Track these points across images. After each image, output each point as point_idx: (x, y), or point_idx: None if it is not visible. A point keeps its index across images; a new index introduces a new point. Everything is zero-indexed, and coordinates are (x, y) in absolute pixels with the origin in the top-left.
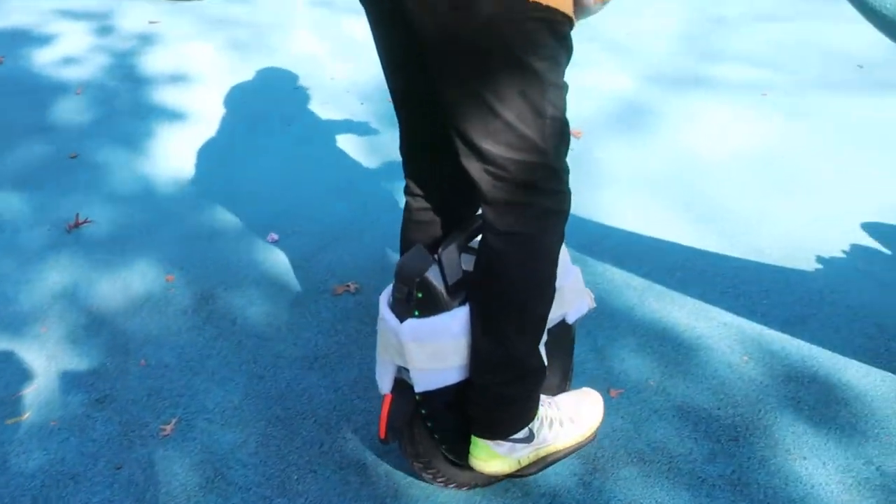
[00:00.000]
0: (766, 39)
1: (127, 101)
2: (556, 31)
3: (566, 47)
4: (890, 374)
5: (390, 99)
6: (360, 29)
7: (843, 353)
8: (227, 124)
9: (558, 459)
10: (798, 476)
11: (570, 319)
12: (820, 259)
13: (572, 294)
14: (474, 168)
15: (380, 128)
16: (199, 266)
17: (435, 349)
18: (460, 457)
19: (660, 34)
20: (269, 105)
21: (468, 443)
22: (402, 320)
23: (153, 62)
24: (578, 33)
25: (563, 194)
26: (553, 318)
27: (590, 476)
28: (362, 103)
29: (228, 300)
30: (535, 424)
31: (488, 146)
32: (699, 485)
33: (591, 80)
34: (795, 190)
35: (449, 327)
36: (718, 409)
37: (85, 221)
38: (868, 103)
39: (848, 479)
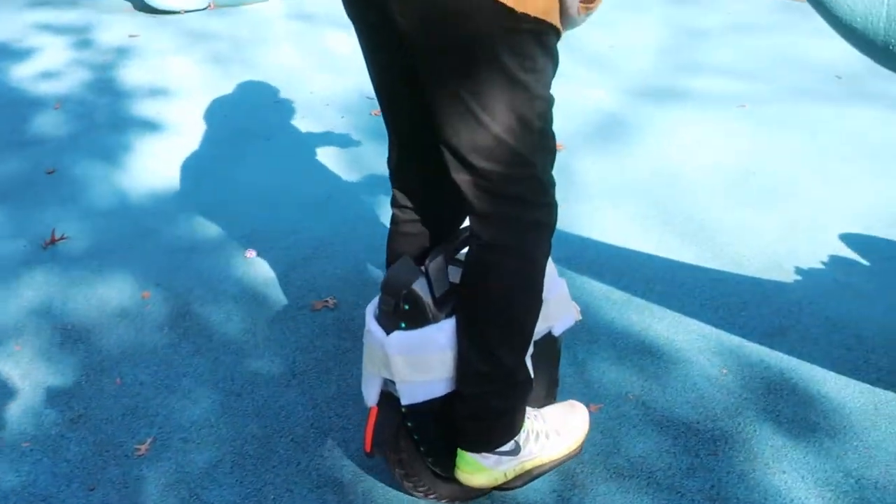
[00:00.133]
0: (744, 51)
1: (106, 116)
2: (544, 43)
3: (553, 59)
4: (868, 385)
5: (376, 112)
6: (340, 42)
7: (822, 364)
8: (206, 138)
9: (544, 472)
10: (777, 490)
11: (557, 332)
12: (798, 270)
13: (558, 306)
14: (462, 180)
15: (360, 141)
16: (176, 282)
17: (421, 361)
18: (446, 470)
19: (640, 47)
20: (248, 119)
21: (454, 455)
22: (388, 332)
23: (133, 76)
24: (560, 47)
25: (549, 206)
26: (539, 330)
27: (569, 492)
28: (342, 116)
29: (205, 316)
30: (521, 437)
31: (477, 159)
32: (678, 500)
33: (571, 94)
34: (774, 201)
35: (436, 339)
36: (697, 422)
37: (61, 238)
38: (846, 114)
39: (827, 492)
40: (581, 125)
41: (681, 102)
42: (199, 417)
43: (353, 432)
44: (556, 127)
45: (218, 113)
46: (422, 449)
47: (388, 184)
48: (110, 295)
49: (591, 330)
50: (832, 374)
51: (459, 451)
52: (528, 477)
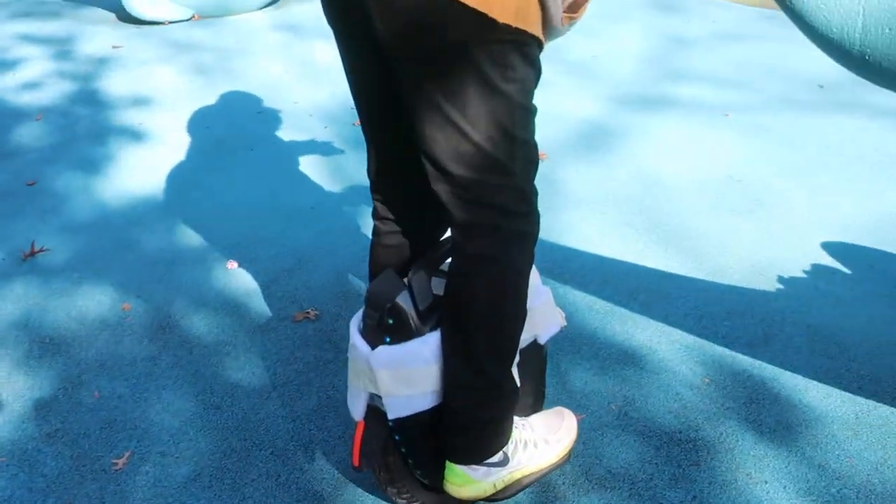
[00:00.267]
0: (728, 60)
1: (88, 127)
2: (526, 54)
3: (535, 70)
4: (850, 394)
5: (358, 122)
6: (323, 53)
7: (805, 373)
8: (188, 149)
9: (533, 482)
10: (759, 500)
11: (542, 340)
12: (781, 279)
13: (543, 314)
14: (443, 191)
15: (343, 151)
16: (157, 294)
17: (407, 375)
18: (435, 482)
19: (624, 56)
20: (231, 129)
21: (443, 468)
22: (373, 347)
23: (115, 87)
24: (543, 56)
25: (532, 216)
26: (524, 338)
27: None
28: (326, 127)
29: (186, 328)
30: (509, 447)
31: (457, 168)
32: None
33: (555, 103)
34: (757, 210)
35: (421, 353)
36: (680, 432)
37: (41, 250)
38: (829, 123)
39: (808, 502)
40: (565, 134)
41: (665, 111)
42: (178, 431)
43: (333, 445)
44: (540, 136)
45: (201, 123)
46: (410, 462)
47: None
48: (90, 307)
49: (574, 340)
50: (814, 382)
51: (448, 463)
52: (517, 487)
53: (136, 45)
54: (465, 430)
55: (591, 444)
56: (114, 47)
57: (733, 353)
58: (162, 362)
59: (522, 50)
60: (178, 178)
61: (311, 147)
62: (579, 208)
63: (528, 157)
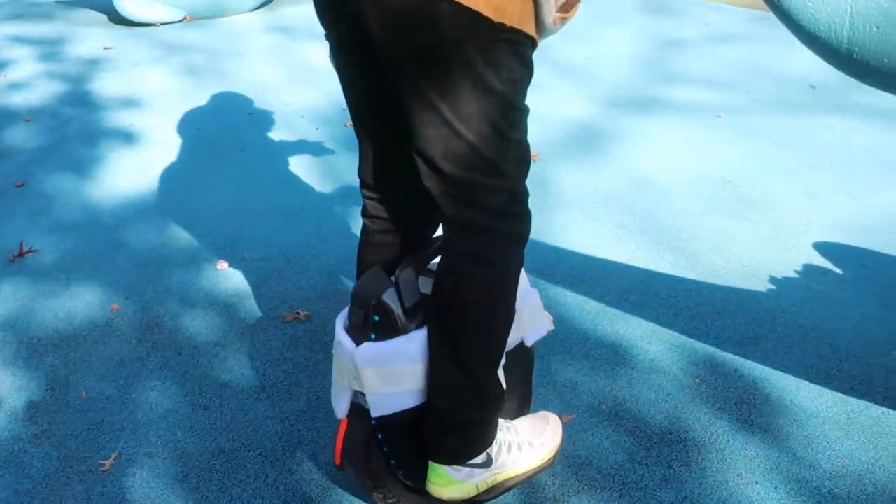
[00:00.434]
0: (720, 62)
1: (78, 128)
2: (519, 53)
3: (528, 69)
4: (841, 394)
5: (350, 122)
6: (316, 55)
7: (796, 374)
8: (179, 150)
9: (517, 484)
10: (750, 501)
11: (529, 342)
12: (772, 279)
13: (531, 317)
14: (435, 188)
15: (334, 152)
16: (146, 295)
17: (391, 373)
18: (417, 482)
19: (616, 58)
20: (222, 130)
21: (425, 468)
22: (358, 344)
23: (106, 88)
24: (536, 58)
25: (523, 216)
26: (511, 340)
27: None
28: (317, 128)
29: (175, 329)
30: (493, 449)
31: (449, 167)
32: None
33: (548, 104)
34: (749, 210)
35: (406, 351)
36: (671, 433)
37: (29, 251)
38: (821, 124)
39: (799, 502)
40: (557, 135)
41: (657, 112)
42: (166, 432)
43: (322, 445)
44: (533, 137)
45: (192, 125)
46: (392, 461)
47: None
48: (78, 308)
49: (564, 340)
50: (805, 383)
51: (431, 463)
52: (500, 489)
53: (128, 47)
54: (449, 431)
55: (582, 444)
56: (105, 48)
57: (724, 354)
58: (150, 363)
59: (516, 49)
60: (169, 179)
61: (303, 148)
62: (571, 209)
63: (520, 156)
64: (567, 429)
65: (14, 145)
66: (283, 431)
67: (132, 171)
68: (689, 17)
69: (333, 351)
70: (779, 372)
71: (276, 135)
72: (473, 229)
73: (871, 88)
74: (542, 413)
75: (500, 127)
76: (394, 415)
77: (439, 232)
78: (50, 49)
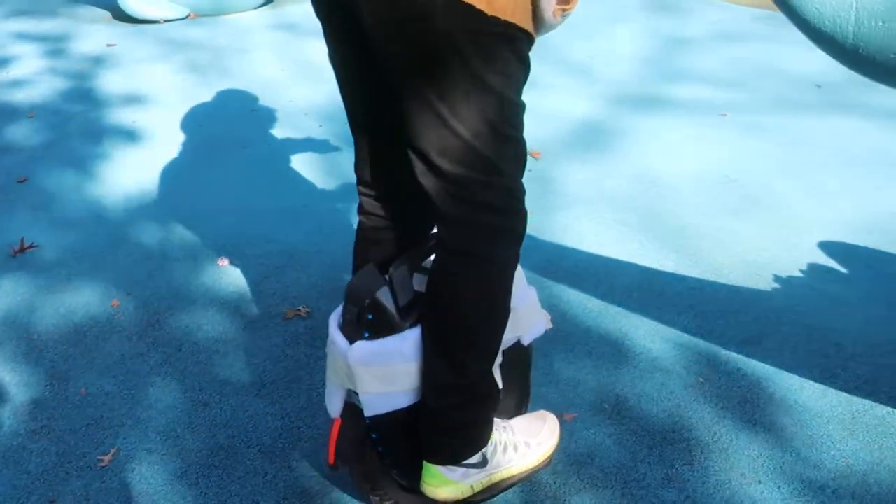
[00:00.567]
0: (725, 60)
1: (80, 125)
2: (516, 48)
3: (525, 65)
4: (846, 394)
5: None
6: (319, 52)
7: (800, 373)
8: (182, 147)
9: (513, 485)
10: (753, 500)
11: (526, 341)
12: (777, 278)
13: (528, 315)
14: (430, 185)
15: (337, 150)
16: (147, 291)
17: (385, 372)
18: (412, 482)
19: (621, 56)
20: (225, 127)
21: (420, 468)
22: (351, 342)
23: (109, 85)
24: (538, 55)
25: (519, 214)
26: (508, 339)
27: (541, 503)
28: (321, 125)
29: (175, 325)
30: (488, 449)
31: (444, 163)
32: None
33: (551, 102)
34: (754, 209)
35: (400, 349)
36: (674, 432)
37: (30, 246)
38: (826, 123)
39: (803, 502)
40: (560, 133)
41: (661, 111)
42: (165, 428)
43: (322, 443)
44: (536, 135)
45: (195, 121)
46: (387, 461)
47: None
48: (78, 304)
49: (567, 338)
50: (810, 382)
51: (425, 463)
52: (496, 490)
53: (131, 44)
54: (443, 431)
55: (584, 442)
56: (108, 45)
57: (728, 352)
58: (150, 359)
59: (512, 44)
60: (171, 175)
61: (306, 145)
62: (574, 207)
63: (516, 153)
64: (569, 427)
65: (16, 141)
66: (283, 428)
67: (134, 168)
68: (693, 16)
69: (327, 349)
70: (783, 371)
71: (279, 132)
72: (468, 227)
73: (877, 88)
74: (540, 412)
75: (496, 123)
76: (387, 414)
77: (436, 228)
78: (53, 45)
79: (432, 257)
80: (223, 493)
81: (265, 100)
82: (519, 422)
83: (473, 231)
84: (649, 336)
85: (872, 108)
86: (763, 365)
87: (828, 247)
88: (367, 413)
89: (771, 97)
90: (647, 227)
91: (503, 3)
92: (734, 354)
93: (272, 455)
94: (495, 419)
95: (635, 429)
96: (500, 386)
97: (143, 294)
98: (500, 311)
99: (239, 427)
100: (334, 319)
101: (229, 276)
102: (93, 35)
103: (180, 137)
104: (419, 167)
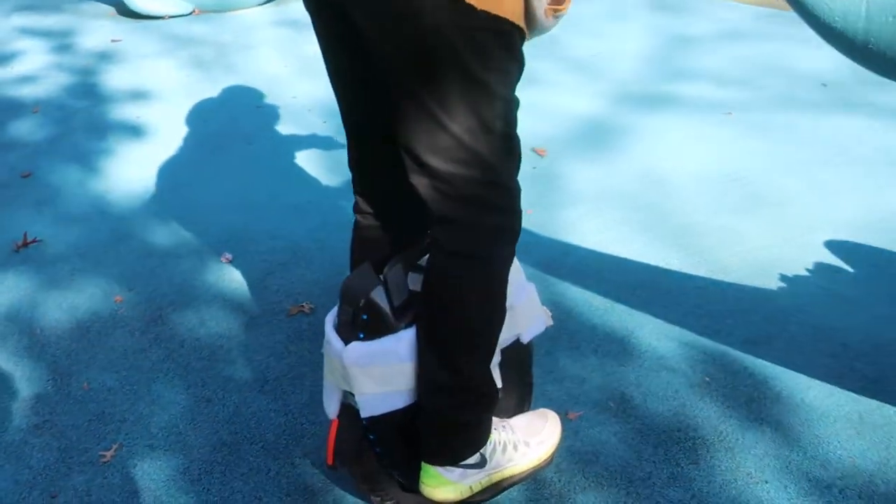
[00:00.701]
0: (731, 59)
1: (84, 120)
2: (507, 43)
3: (517, 60)
4: (853, 394)
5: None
6: None
7: (807, 372)
8: (186, 142)
9: (513, 485)
10: (759, 500)
11: (525, 339)
12: (783, 277)
13: (527, 312)
14: (422, 184)
15: (342, 146)
16: (150, 286)
17: (381, 373)
18: (411, 483)
19: (626, 54)
20: (229, 123)
21: (419, 469)
22: (346, 343)
23: (113, 80)
24: (545, 53)
25: (513, 212)
26: (506, 338)
27: (545, 502)
28: (325, 121)
29: (178, 321)
30: (487, 449)
31: (435, 161)
32: None
33: (556, 100)
34: (759, 208)
35: (395, 350)
36: (679, 430)
37: (33, 241)
38: (832, 122)
39: (810, 503)
40: (565, 131)
41: (666, 109)
42: (168, 424)
43: (325, 439)
44: (541, 132)
45: (198, 117)
46: (385, 462)
47: None
48: (81, 299)
49: (572, 336)
50: (817, 382)
51: (423, 464)
52: (496, 490)
53: (136, 40)
54: (440, 432)
55: (589, 440)
56: (113, 41)
57: (734, 351)
58: (153, 355)
59: (504, 39)
60: (175, 171)
61: (310, 141)
62: (578, 205)
63: (509, 150)
64: (574, 425)
65: (20, 136)
66: (286, 424)
67: (138, 163)
68: (698, 14)
69: (323, 350)
70: (789, 370)
71: (283, 128)
72: (460, 225)
73: (884, 86)
74: (541, 410)
75: (487, 119)
76: (384, 415)
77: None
78: (58, 41)
79: (427, 256)
80: (226, 490)
81: (269, 96)
82: (519, 420)
83: (466, 230)
84: (655, 334)
85: (879, 106)
86: (769, 364)
87: (834, 246)
88: (364, 414)
89: (776, 96)
90: (652, 225)
91: None
92: (740, 353)
93: (275, 452)
94: (495, 418)
95: (640, 427)
96: (500, 385)
97: (146, 290)
98: (495, 311)
99: (242, 423)
100: (330, 320)
101: (233, 272)
102: (97, 31)
103: (184, 133)
104: (410, 166)
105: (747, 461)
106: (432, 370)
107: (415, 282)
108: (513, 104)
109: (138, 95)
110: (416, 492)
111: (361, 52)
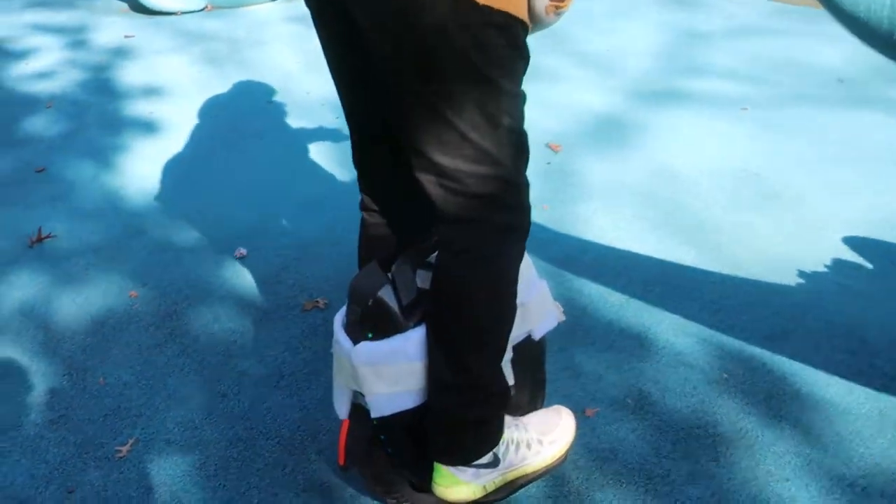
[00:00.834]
0: (745, 55)
1: (98, 115)
2: (510, 37)
3: (522, 54)
4: (873, 391)
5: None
6: None
7: (826, 369)
8: (199, 138)
9: (528, 483)
10: (780, 498)
11: (537, 335)
12: (801, 273)
13: (538, 309)
14: (428, 182)
15: None
16: (164, 282)
17: (390, 373)
18: (423, 483)
19: (639, 50)
20: (242, 119)
21: (431, 469)
22: (355, 343)
23: (126, 76)
24: (557, 49)
25: (521, 209)
26: (518, 335)
27: (564, 499)
28: (337, 117)
29: (193, 317)
30: (500, 448)
31: (442, 158)
32: None
33: (570, 95)
34: (775, 204)
35: (404, 349)
36: (698, 427)
37: (48, 236)
38: (847, 117)
39: (831, 501)
40: (579, 127)
41: (681, 105)
42: (184, 419)
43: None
44: (555, 128)
45: (212, 113)
46: (396, 462)
47: None
48: (96, 294)
49: (588, 332)
50: (836, 378)
51: (436, 464)
52: (510, 489)
53: (149, 35)
54: (451, 431)
55: (606, 437)
56: (126, 37)
57: (752, 347)
58: (168, 350)
59: (507, 34)
60: (188, 166)
61: (323, 136)
62: (593, 200)
63: (516, 145)
64: (591, 422)
65: (35, 132)
66: (302, 420)
67: (152, 159)
68: (712, 10)
69: (332, 350)
70: (808, 367)
71: (296, 123)
72: (468, 223)
73: None
74: (555, 407)
75: (493, 114)
76: (394, 415)
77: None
78: (71, 37)
79: (436, 253)
80: (242, 485)
81: (282, 91)
82: (533, 418)
83: (474, 228)
84: (671, 330)
85: (895, 102)
86: (787, 360)
87: (850, 241)
88: (374, 414)
89: (791, 92)
90: (667, 222)
91: None
92: (758, 350)
93: (291, 447)
94: (508, 417)
95: (659, 424)
96: (512, 382)
97: (160, 284)
98: (504, 309)
99: (257, 419)
100: (339, 319)
101: (247, 268)
102: (110, 26)
103: (197, 129)
104: (416, 163)
105: (767, 458)
106: (442, 369)
107: (423, 279)
108: (519, 99)
109: (151, 91)
110: (429, 492)
111: (362, 51)
